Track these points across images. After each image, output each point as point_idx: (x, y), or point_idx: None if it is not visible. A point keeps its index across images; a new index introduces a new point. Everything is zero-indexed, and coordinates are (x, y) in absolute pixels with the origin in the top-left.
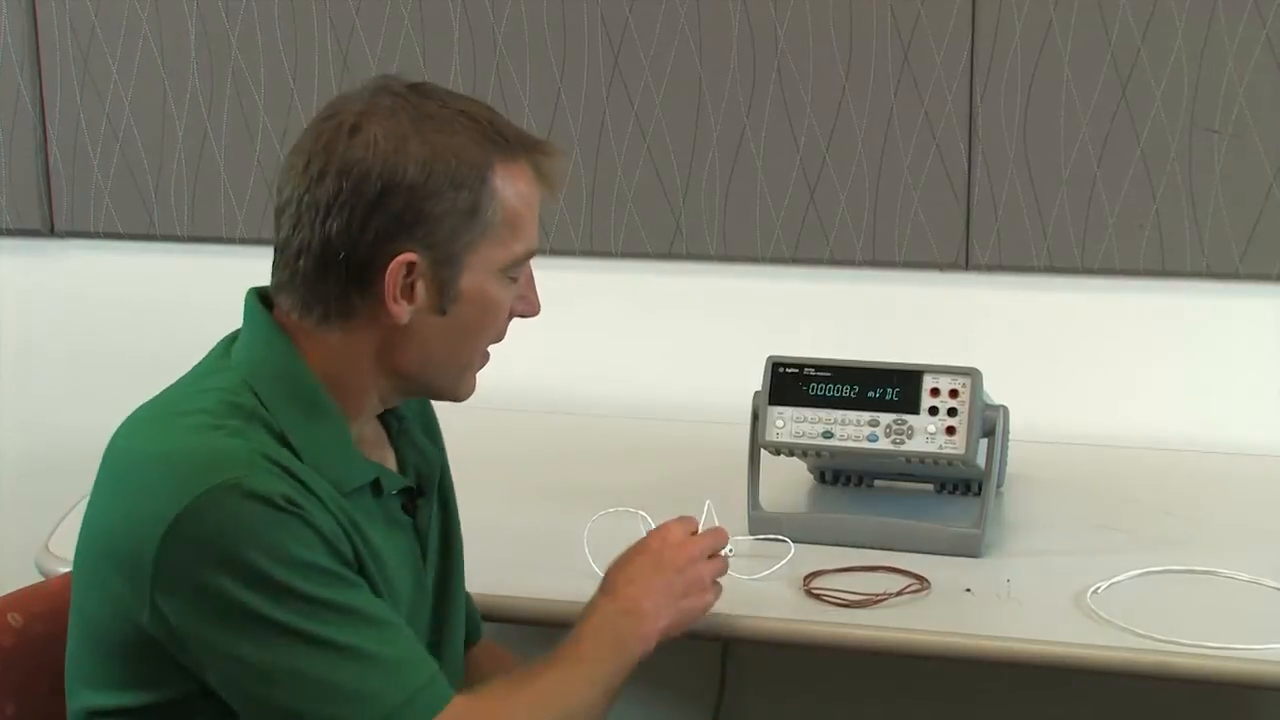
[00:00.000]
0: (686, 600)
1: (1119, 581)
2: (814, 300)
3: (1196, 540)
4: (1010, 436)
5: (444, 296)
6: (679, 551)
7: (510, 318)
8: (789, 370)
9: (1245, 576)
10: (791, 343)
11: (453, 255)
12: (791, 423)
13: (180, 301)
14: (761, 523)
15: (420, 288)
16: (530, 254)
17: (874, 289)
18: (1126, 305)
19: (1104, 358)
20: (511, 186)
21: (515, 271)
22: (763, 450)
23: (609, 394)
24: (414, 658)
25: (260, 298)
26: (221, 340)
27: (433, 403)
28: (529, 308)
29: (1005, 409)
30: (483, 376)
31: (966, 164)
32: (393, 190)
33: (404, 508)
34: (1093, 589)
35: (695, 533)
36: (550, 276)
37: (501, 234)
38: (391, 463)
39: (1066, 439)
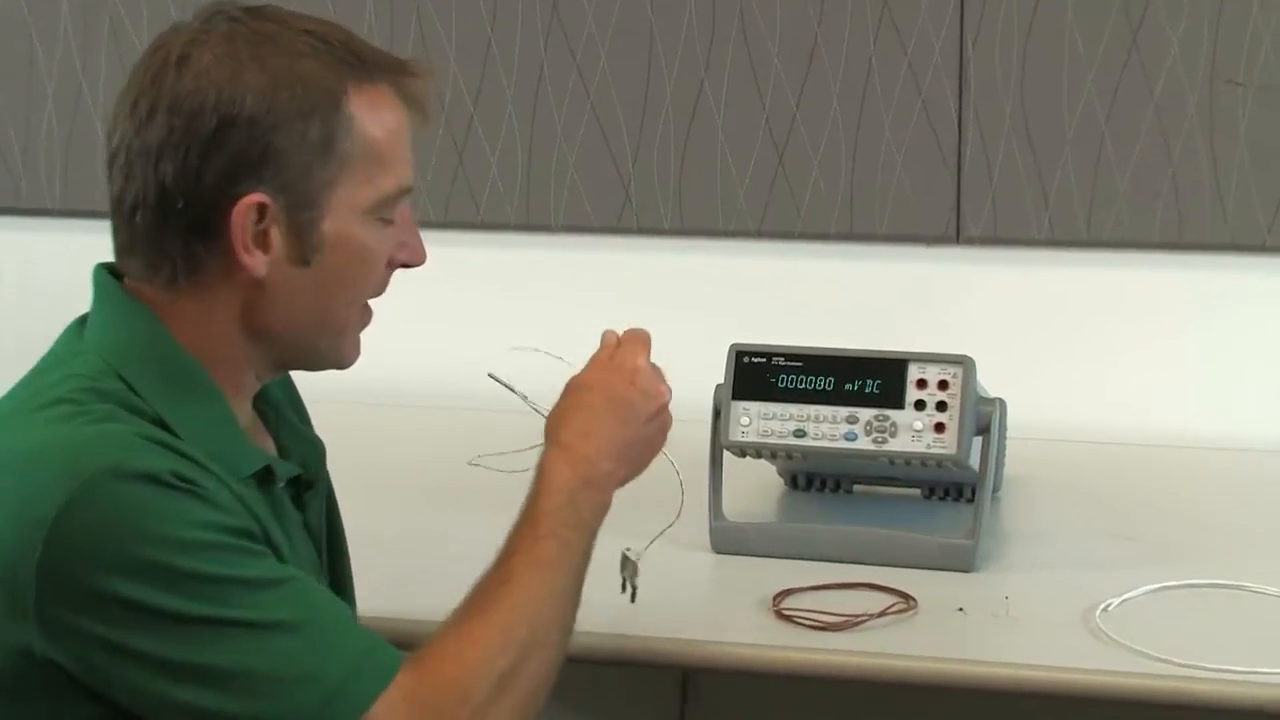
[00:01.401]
0: (650, 452)
1: (1132, 598)
2: (783, 280)
3: (1220, 550)
4: (1008, 434)
5: (304, 244)
6: (650, 398)
7: (392, 268)
8: (755, 360)
9: (1275, 591)
10: (758, 329)
11: (309, 196)
12: (758, 420)
13: (54, 282)
14: (725, 535)
15: (276, 235)
16: (403, 191)
17: (852, 267)
18: (1139, 283)
19: (1114, 343)
20: (372, 114)
21: (387, 212)
22: (725, 452)
23: (548, 388)
24: (349, 626)
25: (111, 271)
26: (71, 324)
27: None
28: (412, 255)
29: (1002, 402)
30: (397, 372)
31: (956, 122)
32: (230, 124)
33: (295, 501)
34: (1102, 606)
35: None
36: (480, 255)
37: (364, 169)
38: (272, 451)
39: (1072, 436)
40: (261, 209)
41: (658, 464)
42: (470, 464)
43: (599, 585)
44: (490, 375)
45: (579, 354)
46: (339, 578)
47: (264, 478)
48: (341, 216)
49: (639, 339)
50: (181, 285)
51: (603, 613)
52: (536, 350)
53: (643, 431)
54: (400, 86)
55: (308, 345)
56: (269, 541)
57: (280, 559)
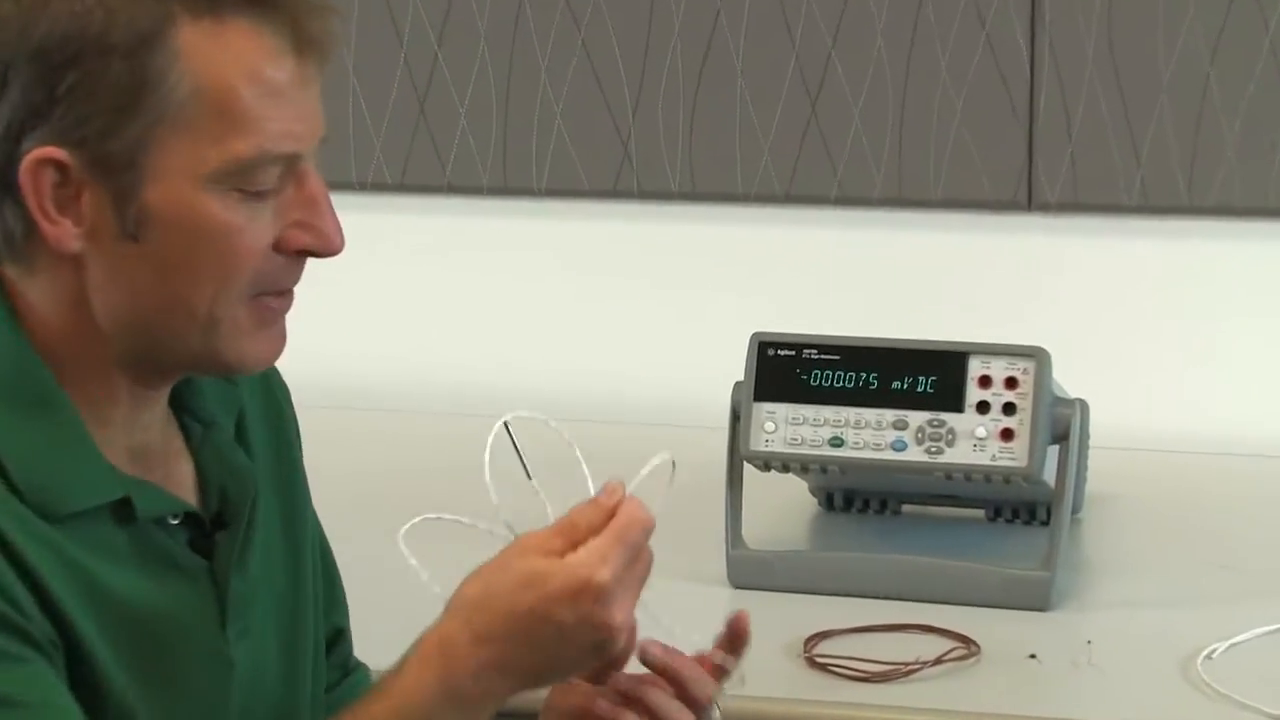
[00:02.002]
0: (573, 672)
1: (1241, 642)
2: (816, 255)
3: None
4: (1090, 442)
5: (124, 215)
6: (593, 628)
7: (287, 254)
8: (782, 353)
9: None
10: (785, 314)
11: (121, 154)
12: (786, 426)
13: None
14: (745, 566)
15: (89, 202)
16: (269, 157)
17: (900, 239)
18: (1252, 258)
19: (1220, 332)
20: (215, 53)
21: (248, 181)
22: (746, 465)
23: (528, 388)
24: None
25: None
26: None
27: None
28: (315, 239)
29: (1083, 404)
30: (348, 367)
31: (1028, 66)
32: (16, 62)
33: (192, 544)
34: (1205, 653)
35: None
36: (448, 224)
37: (204, 124)
38: (184, 480)
39: (1168, 445)
40: (61, 168)
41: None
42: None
43: None
44: (506, 425)
45: (570, 362)
46: (290, 650)
47: (120, 510)
48: (174, 183)
49: (624, 534)
50: (9, 264)
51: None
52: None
53: (564, 663)
54: (264, 19)
55: (175, 343)
56: (92, 590)
57: (112, 608)
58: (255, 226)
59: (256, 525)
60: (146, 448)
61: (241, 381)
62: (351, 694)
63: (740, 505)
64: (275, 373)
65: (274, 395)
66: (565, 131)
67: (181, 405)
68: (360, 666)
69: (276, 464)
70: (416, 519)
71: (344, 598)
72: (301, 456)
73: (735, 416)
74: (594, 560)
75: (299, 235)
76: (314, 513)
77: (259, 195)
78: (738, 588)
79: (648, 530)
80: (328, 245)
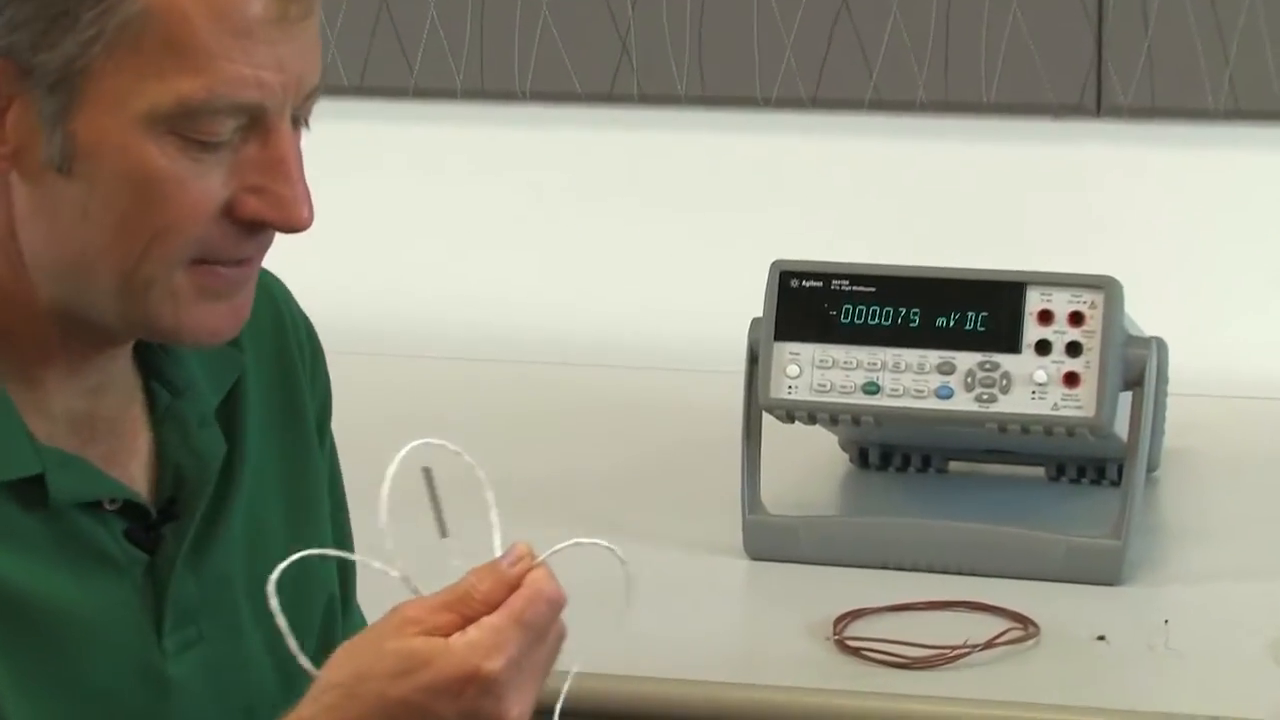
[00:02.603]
0: None
1: None
2: (848, 169)
3: None
4: (1169, 389)
5: (52, 141)
6: (487, 705)
7: (238, 221)
8: (808, 284)
9: None
10: (812, 239)
11: (53, 70)
12: (813, 369)
13: None
14: (765, 534)
15: (15, 118)
16: (222, 104)
17: (946, 150)
18: None
19: None
20: None
21: (192, 129)
22: (766, 415)
23: (504, 327)
24: None
25: None
26: None
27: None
28: (273, 210)
29: (1160, 344)
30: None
31: None
32: None
33: (130, 534)
34: None
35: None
36: (415, 133)
37: (149, 52)
38: (137, 457)
39: (1259, 391)
40: None
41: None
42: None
43: (590, 608)
44: (425, 471)
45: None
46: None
47: (29, 489)
48: (107, 115)
49: (525, 613)
50: None
51: (596, 646)
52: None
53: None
54: None
55: (103, 300)
56: None
57: (18, 609)
58: (201, 184)
59: (231, 514)
60: (92, 416)
61: (247, 341)
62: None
63: (758, 463)
64: (301, 329)
65: (291, 360)
66: (553, 24)
67: (152, 368)
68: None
69: (284, 441)
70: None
71: (354, 592)
72: (326, 433)
73: (753, 359)
74: (486, 644)
75: (254, 203)
76: (342, 499)
77: (206, 147)
78: (756, 559)
79: (556, 607)
80: (288, 218)
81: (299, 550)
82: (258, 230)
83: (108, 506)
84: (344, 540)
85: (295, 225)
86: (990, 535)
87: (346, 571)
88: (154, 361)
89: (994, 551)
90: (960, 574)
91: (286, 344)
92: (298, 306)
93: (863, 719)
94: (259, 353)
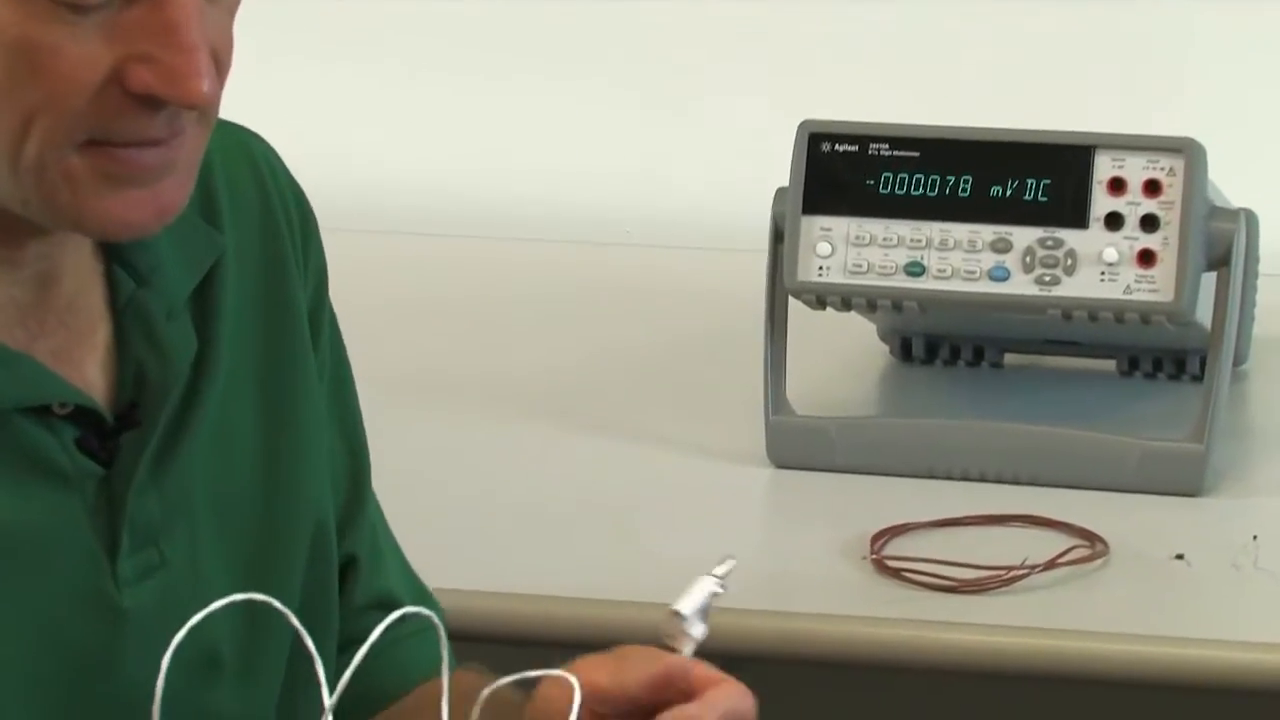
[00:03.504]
0: None
1: None
2: (888, 14)
3: None
4: (1259, 268)
5: None
6: None
7: (132, 90)
8: (841, 148)
9: None
10: (845, 96)
11: None
12: (847, 247)
13: None
14: (791, 438)
15: None
16: None
17: None
18: None
19: None
20: None
21: None
22: (793, 300)
23: (512, 201)
24: None
25: None
26: None
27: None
28: (162, 81)
29: (1250, 216)
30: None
31: None
32: None
33: (82, 443)
34: None
35: None
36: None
37: None
38: (93, 354)
39: None
40: None
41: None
42: None
43: (588, 536)
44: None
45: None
46: (270, 579)
47: None
48: None
49: None
50: None
51: (598, 570)
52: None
53: None
54: None
55: (3, 186)
56: None
57: None
58: (78, 50)
59: (199, 420)
60: (40, 309)
61: (228, 218)
62: (401, 668)
63: (784, 356)
64: (289, 197)
65: (277, 236)
66: None
67: (114, 251)
68: (426, 629)
69: (267, 334)
70: None
71: (370, 516)
72: (322, 316)
73: (777, 235)
74: None
75: (141, 72)
76: (349, 404)
77: (80, 8)
78: (781, 468)
79: None
80: (180, 92)
81: (272, 464)
82: (159, 106)
83: (57, 411)
84: (352, 435)
85: (189, 100)
86: (1052, 439)
87: (357, 466)
88: (116, 244)
89: (1056, 458)
90: (1017, 484)
91: (272, 217)
92: (285, 170)
93: (904, 649)
94: (242, 230)
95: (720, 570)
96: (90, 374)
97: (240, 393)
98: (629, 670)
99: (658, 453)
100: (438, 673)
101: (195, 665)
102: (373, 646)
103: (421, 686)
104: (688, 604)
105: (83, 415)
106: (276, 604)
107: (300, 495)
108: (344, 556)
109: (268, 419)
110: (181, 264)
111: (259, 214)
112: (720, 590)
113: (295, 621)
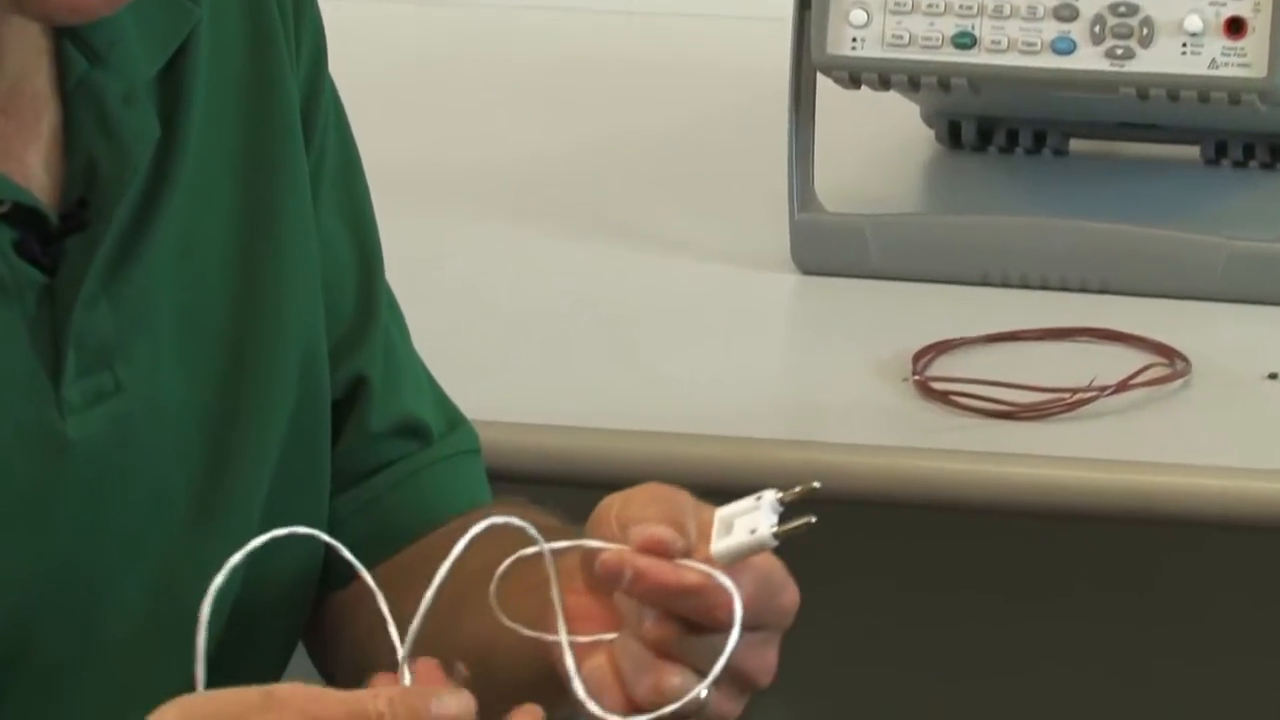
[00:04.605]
0: None
1: None
2: None
3: None
4: None
5: None
6: None
7: None
8: None
9: None
10: None
11: None
12: (885, 15)
13: None
14: (820, 239)
15: None
16: None
17: None
18: None
19: None
20: None
21: None
22: (821, 78)
23: None
24: None
25: None
26: None
27: None
28: None
29: None
30: None
31: None
32: None
33: (21, 247)
34: None
35: None
36: None
37: None
38: (38, 143)
39: None
40: None
41: None
42: None
43: (583, 354)
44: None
45: None
46: (240, 408)
47: None
48: None
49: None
50: None
51: (593, 393)
52: None
53: None
54: None
55: None
56: None
57: None
58: None
59: (162, 221)
60: None
61: None
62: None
63: (812, 144)
64: None
65: (266, 12)
66: None
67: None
68: (455, 455)
69: (248, 121)
70: None
71: (384, 328)
72: (320, 112)
73: (803, 1)
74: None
75: None
76: (357, 197)
77: None
78: (808, 274)
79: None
80: None
81: (249, 277)
82: None
83: None
84: (361, 234)
85: None
86: (1124, 238)
87: (367, 270)
88: None
89: (1129, 261)
90: (1084, 291)
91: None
92: None
93: (951, 485)
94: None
95: (784, 496)
96: (33, 168)
97: (213, 191)
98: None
99: (664, 256)
100: (470, 506)
101: (142, 504)
102: (393, 476)
103: (458, 521)
104: (726, 553)
105: (23, 215)
106: (304, 530)
107: (282, 314)
108: (352, 376)
109: (246, 223)
110: (145, 39)
111: None
112: (775, 543)
113: (325, 538)
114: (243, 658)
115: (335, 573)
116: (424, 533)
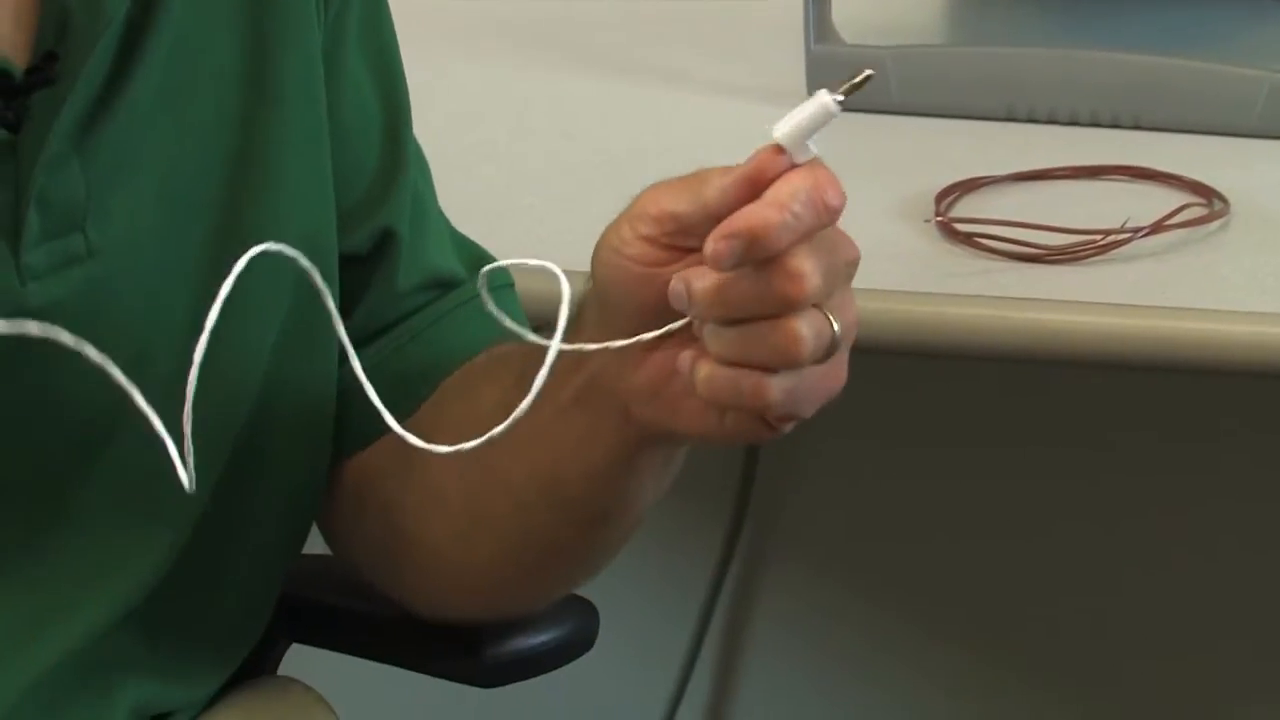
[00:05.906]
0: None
1: None
2: None
3: None
4: None
5: None
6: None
7: None
8: None
9: None
10: None
11: None
12: None
13: None
14: (835, 69)
15: None
16: None
17: None
18: None
19: None
20: None
21: None
22: None
23: None
24: None
25: None
26: None
27: None
28: None
29: None
30: None
31: None
32: None
33: None
34: None
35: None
36: None
37: None
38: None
39: None
40: None
41: None
42: None
43: (587, 196)
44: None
45: None
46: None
47: None
48: None
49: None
50: None
51: (597, 235)
52: None
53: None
54: None
55: None
56: None
57: None
58: None
59: (146, 77)
60: None
61: None
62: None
63: None
64: None
65: None
66: None
67: None
68: (476, 298)
69: None
70: None
71: (412, 179)
72: None
73: None
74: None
75: None
76: (384, 39)
77: None
78: None
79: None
80: None
81: (245, 136)
82: None
83: None
84: (387, 77)
85: None
86: (1160, 70)
87: (394, 115)
88: None
89: (1165, 94)
90: (1117, 127)
91: None
92: None
93: (976, 331)
94: None
95: (845, 87)
96: (1, 23)
97: (208, 45)
98: (708, 186)
99: (673, 91)
100: (494, 343)
101: (121, 369)
102: (415, 326)
103: (479, 359)
104: (789, 130)
105: None
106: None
107: (285, 182)
108: (380, 230)
109: (244, 79)
110: None
111: None
112: (839, 110)
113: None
114: (248, 518)
115: (349, 435)
116: (444, 378)
